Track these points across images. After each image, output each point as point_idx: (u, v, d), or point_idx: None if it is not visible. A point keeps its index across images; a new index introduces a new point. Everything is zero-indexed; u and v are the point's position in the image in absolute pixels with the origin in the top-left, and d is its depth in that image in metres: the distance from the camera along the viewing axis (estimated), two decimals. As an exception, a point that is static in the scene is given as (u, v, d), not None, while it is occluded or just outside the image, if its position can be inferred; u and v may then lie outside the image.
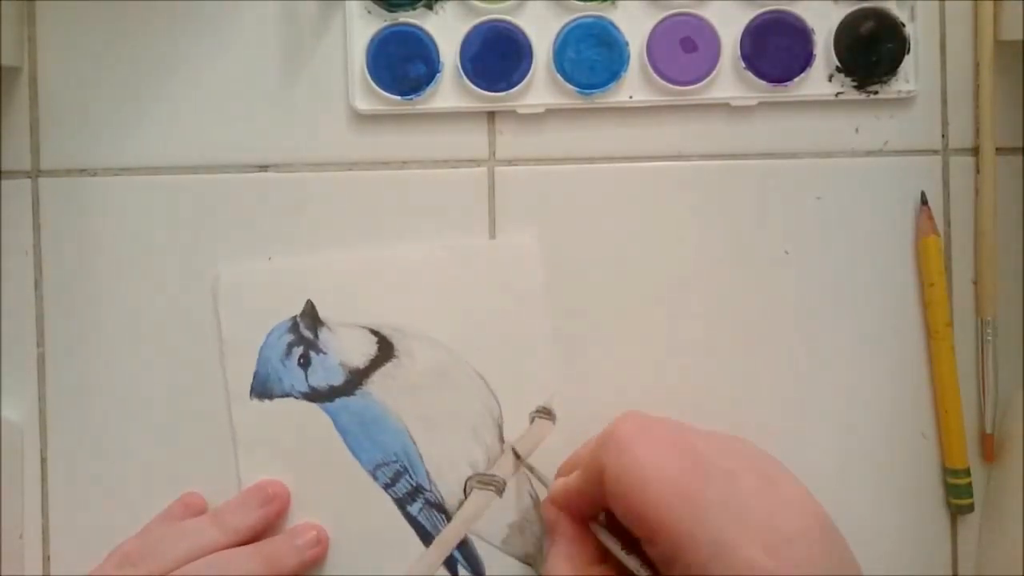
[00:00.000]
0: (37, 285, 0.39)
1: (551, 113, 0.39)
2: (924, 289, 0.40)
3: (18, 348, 0.39)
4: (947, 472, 0.40)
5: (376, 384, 0.39)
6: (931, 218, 0.40)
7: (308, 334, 0.39)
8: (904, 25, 0.39)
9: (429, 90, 0.39)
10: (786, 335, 0.40)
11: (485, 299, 0.39)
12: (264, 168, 0.39)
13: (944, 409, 0.39)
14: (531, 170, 0.40)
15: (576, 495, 0.33)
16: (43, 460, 0.39)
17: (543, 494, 0.38)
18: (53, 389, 0.39)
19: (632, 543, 0.32)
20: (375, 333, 0.39)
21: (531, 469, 0.38)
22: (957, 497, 0.39)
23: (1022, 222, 0.40)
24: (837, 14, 0.39)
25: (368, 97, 0.39)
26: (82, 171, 0.39)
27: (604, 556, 0.33)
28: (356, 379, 0.39)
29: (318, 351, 0.39)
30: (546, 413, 0.39)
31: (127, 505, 0.39)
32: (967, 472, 0.39)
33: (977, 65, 0.40)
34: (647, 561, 0.31)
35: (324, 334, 0.39)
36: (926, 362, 0.40)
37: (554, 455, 0.38)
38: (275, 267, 0.39)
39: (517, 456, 0.38)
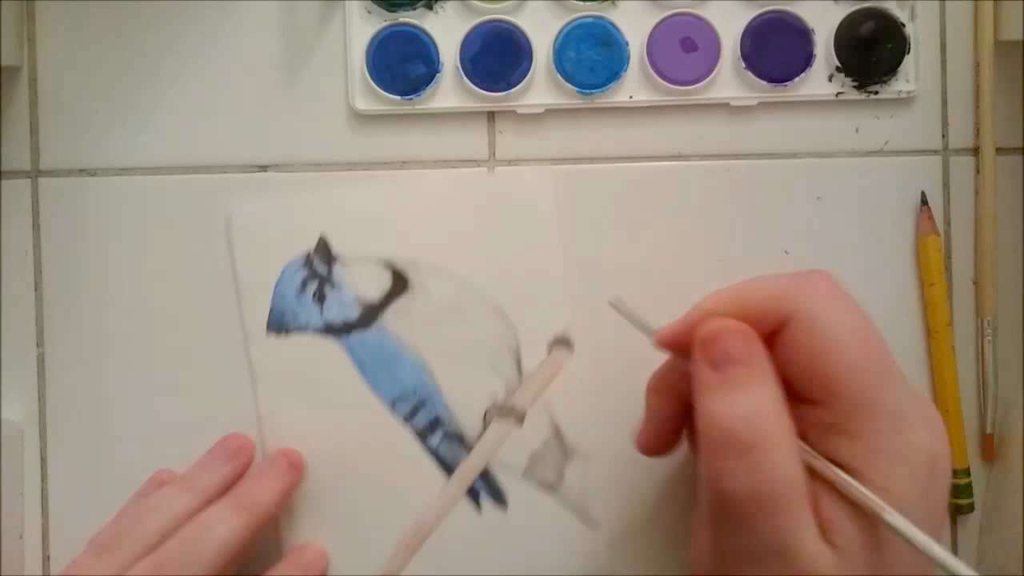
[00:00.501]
0: (37, 285, 0.39)
1: (551, 113, 0.39)
2: (924, 289, 0.40)
3: (18, 348, 0.39)
4: (947, 472, 0.40)
5: (391, 317, 0.39)
6: (931, 218, 0.40)
7: (322, 269, 0.39)
8: (904, 25, 0.39)
9: (429, 90, 0.39)
10: (786, 335, 0.40)
11: (498, 229, 0.39)
12: (264, 168, 0.39)
13: (944, 409, 0.39)
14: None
15: (735, 330, 0.30)
16: (43, 460, 0.39)
17: (568, 419, 0.38)
18: (53, 389, 0.39)
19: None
20: (389, 266, 0.39)
21: (630, 315, 0.33)
22: (957, 497, 0.39)
23: (1022, 222, 0.40)
24: (837, 14, 0.39)
25: (368, 97, 0.39)
26: (82, 171, 0.39)
27: None
28: (371, 313, 0.39)
29: (333, 286, 0.39)
30: (564, 342, 0.39)
31: (127, 505, 0.39)
32: (967, 472, 0.39)
33: (977, 65, 0.40)
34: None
35: (338, 268, 0.39)
36: (926, 362, 0.40)
37: (573, 383, 0.38)
38: (287, 204, 0.39)
39: (616, 308, 0.34)
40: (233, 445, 0.38)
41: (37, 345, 0.39)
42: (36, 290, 0.39)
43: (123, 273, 0.39)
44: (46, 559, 0.39)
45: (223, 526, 0.34)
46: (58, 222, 0.39)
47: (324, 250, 0.39)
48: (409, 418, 0.39)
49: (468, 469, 0.39)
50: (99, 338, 0.39)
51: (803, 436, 0.29)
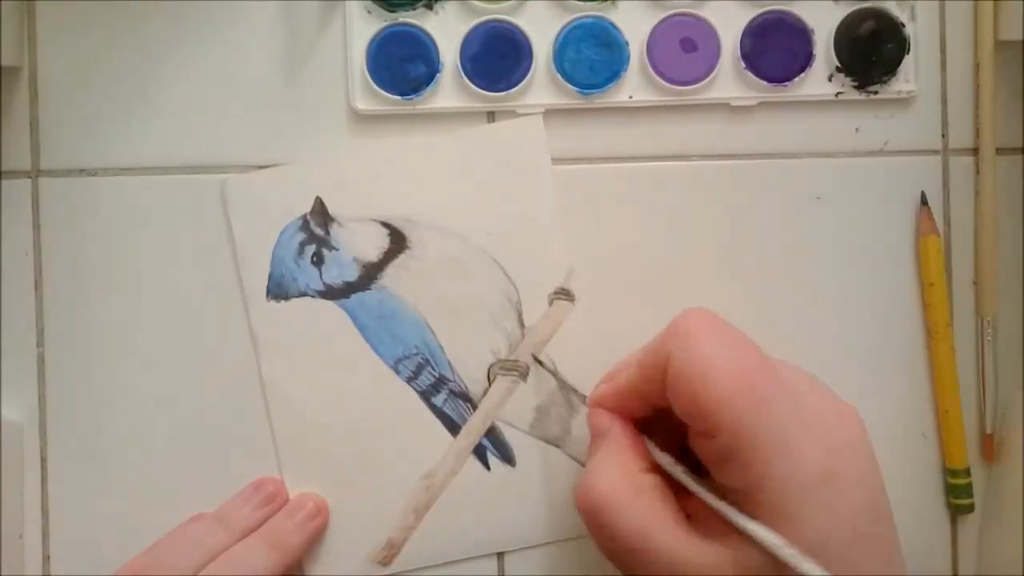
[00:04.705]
0: (37, 285, 0.39)
1: (551, 113, 0.39)
2: (924, 289, 0.40)
3: (18, 348, 0.39)
4: (947, 472, 0.40)
5: (391, 277, 0.39)
6: (931, 218, 0.40)
7: (319, 231, 0.39)
8: (904, 25, 0.39)
9: (429, 90, 0.39)
10: (786, 335, 0.40)
11: (493, 181, 0.39)
12: (264, 168, 0.39)
13: (944, 409, 0.39)
14: (531, 170, 0.40)
15: (630, 392, 0.33)
16: (43, 460, 0.39)
17: (572, 372, 0.39)
18: (53, 389, 0.39)
19: (681, 449, 0.32)
20: (386, 225, 0.39)
21: (555, 375, 0.38)
22: (957, 497, 0.39)
23: (1022, 222, 0.40)
24: (837, 14, 0.39)
25: (368, 97, 0.39)
26: (82, 171, 0.39)
27: (653, 464, 0.33)
28: (371, 273, 0.39)
29: (330, 248, 0.39)
30: (564, 294, 0.39)
31: (128, 505, 0.39)
32: (967, 472, 0.39)
33: (977, 65, 0.40)
34: (694, 467, 0.31)
35: (335, 230, 0.39)
36: (926, 362, 0.40)
37: (574, 336, 0.39)
38: (281, 170, 0.39)
39: (539, 363, 0.38)
40: (268, 489, 0.38)
41: (37, 345, 0.39)
42: (36, 290, 0.39)
43: (123, 273, 0.39)
44: (46, 559, 0.39)
45: (257, 561, 0.36)
46: (58, 222, 0.39)
47: (321, 212, 0.39)
48: (413, 378, 0.39)
49: (474, 427, 0.39)
50: (99, 338, 0.39)
51: (708, 466, 0.31)
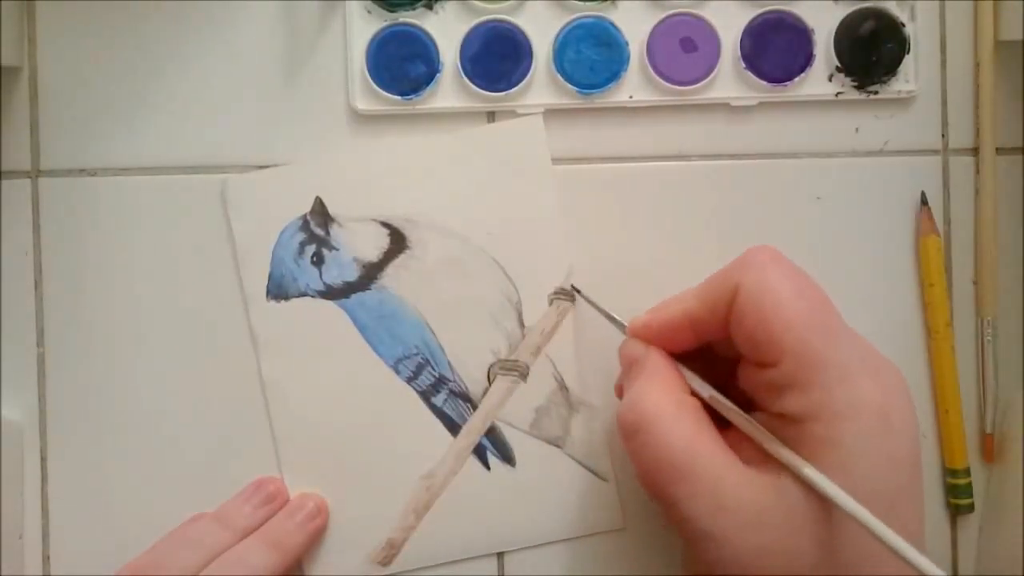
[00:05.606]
0: (37, 285, 0.39)
1: (551, 113, 0.39)
2: (924, 289, 0.40)
3: (18, 348, 0.39)
4: (947, 472, 0.40)
5: (391, 277, 0.39)
6: (931, 218, 0.40)
7: (319, 231, 0.39)
8: (904, 25, 0.39)
9: (429, 90, 0.39)
10: (786, 335, 0.40)
11: (494, 181, 0.39)
12: (264, 168, 0.39)
13: (944, 409, 0.39)
14: (531, 170, 0.40)
15: (687, 322, 0.33)
16: (43, 460, 0.39)
17: (572, 372, 0.39)
18: (53, 389, 0.39)
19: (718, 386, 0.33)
20: (386, 225, 0.39)
21: (594, 304, 0.38)
22: (957, 497, 0.39)
23: (1022, 222, 0.40)
24: (837, 14, 0.39)
25: (368, 97, 0.39)
26: (82, 171, 0.39)
27: (692, 390, 0.33)
28: (371, 273, 0.39)
29: (330, 248, 0.39)
30: (565, 294, 0.39)
31: (128, 505, 0.39)
32: (967, 472, 0.39)
33: (977, 65, 0.40)
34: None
35: (335, 230, 0.39)
36: (926, 362, 0.40)
37: (574, 335, 0.39)
38: (281, 170, 0.39)
39: (578, 292, 0.39)
40: (268, 489, 0.38)
41: (37, 345, 0.39)
42: (36, 290, 0.39)
43: (123, 273, 0.39)
44: (46, 559, 0.39)
45: (257, 561, 0.36)
46: (58, 222, 0.39)
47: (321, 212, 0.39)
48: (413, 378, 0.39)
49: (474, 427, 0.39)
50: (99, 338, 0.39)
51: (760, 397, 0.31)
